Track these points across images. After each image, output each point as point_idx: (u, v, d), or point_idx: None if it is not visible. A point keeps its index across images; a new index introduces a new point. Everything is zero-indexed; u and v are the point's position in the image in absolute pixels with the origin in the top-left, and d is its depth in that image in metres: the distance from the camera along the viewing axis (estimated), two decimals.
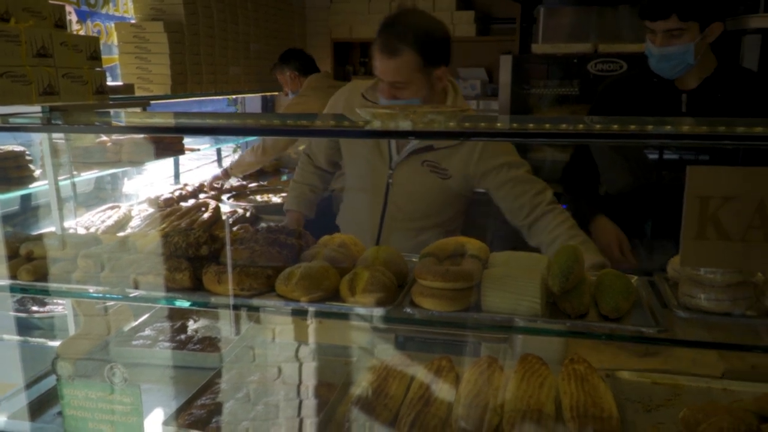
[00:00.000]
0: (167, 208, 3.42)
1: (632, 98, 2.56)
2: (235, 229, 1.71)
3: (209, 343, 1.97)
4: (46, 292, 1.51)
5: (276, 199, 3.84)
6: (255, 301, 1.34)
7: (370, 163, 2.31)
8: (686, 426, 1.52)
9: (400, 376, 1.66)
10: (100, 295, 1.46)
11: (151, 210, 3.33)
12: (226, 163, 5.51)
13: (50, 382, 1.77)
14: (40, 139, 2.80)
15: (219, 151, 5.52)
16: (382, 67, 2.05)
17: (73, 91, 2.14)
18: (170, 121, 1.61)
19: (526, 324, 1.23)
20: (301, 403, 1.64)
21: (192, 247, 1.43)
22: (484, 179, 2.26)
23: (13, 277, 1.52)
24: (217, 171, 4.45)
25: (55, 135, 2.24)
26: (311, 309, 1.32)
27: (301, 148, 3.82)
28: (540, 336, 1.83)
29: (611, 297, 1.25)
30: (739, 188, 1.04)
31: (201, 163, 7.60)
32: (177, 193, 3.78)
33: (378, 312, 1.29)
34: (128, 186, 6.14)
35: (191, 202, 3.61)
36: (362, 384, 1.61)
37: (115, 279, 1.45)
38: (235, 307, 1.35)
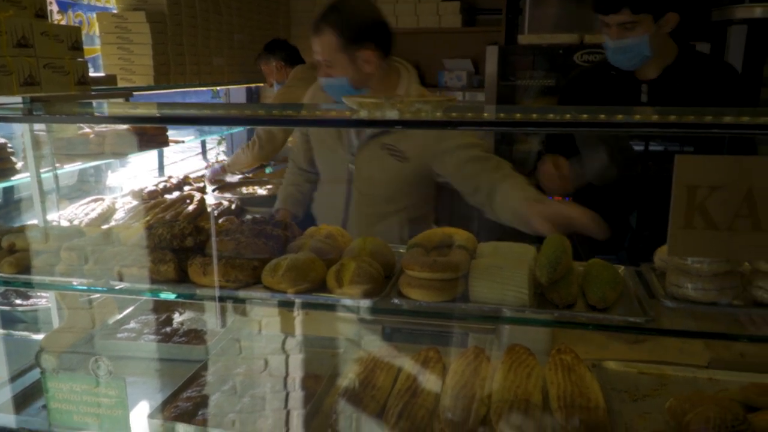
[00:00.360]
0: (151, 200, 3.38)
1: (594, 90, 2.60)
2: (220, 221, 1.69)
3: (195, 336, 1.95)
4: (29, 284, 1.49)
5: (261, 191, 3.82)
6: (241, 293, 1.33)
7: (332, 150, 2.35)
8: (673, 416, 1.53)
9: (387, 367, 1.66)
10: (85, 287, 1.44)
11: (135, 202, 3.29)
12: (211, 155, 5.47)
13: (35, 375, 1.75)
14: (21, 131, 2.76)
15: (204, 143, 5.47)
16: (313, 46, 2.16)
17: (54, 81, 2.11)
18: (155, 112, 1.59)
19: (514, 314, 1.23)
20: (287, 395, 1.63)
21: (177, 238, 1.42)
22: (441, 161, 2.22)
23: None
24: (210, 164, 4.39)
25: (37, 126, 2.20)
26: (298, 300, 1.31)
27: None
28: (527, 326, 1.83)
29: (599, 287, 1.25)
30: (726, 177, 1.04)
31: (185, 155, 7.54)
32: (161, 186, 3.74)
33: (365, 303, 1.28)
34: (112, 178, 6.08)
35: (176, 194, 3.57)
36: (349, 375, 1.61)
37: (99, 271, 1.44)
38: (221, 299, 1.34)
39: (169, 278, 1.38)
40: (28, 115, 1.62)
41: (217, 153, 5.43)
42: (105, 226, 2.14)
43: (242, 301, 1.36)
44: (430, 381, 1.60)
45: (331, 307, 1.32)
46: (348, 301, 1.29)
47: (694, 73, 2.37)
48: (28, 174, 2.15)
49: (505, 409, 1.43)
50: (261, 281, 1.35)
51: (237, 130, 5.05)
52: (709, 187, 1.06)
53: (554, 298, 1.25)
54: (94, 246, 1.49)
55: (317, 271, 1.35)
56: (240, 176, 4.23)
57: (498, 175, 2.10)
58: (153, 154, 5.53)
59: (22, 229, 1.58)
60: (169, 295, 1.38)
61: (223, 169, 4.20)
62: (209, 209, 3.22)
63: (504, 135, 4.25)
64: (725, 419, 1.38)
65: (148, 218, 2.94)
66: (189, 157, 7.15)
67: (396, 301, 1.28)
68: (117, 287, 1.41)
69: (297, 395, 1.63)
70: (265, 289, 1.34)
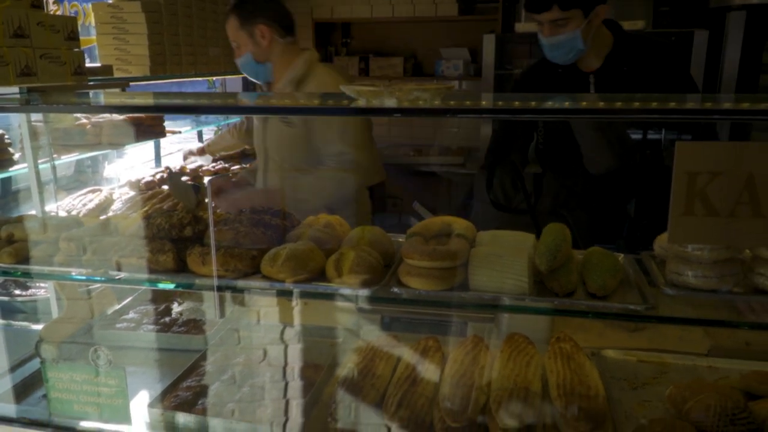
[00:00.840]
0: (149, 191, 3.38)
1: (544, 85, 2.64)
2: (218, 211, 1.68)
3: (194, 326, 1.95)
4: (28, 274, 1.49)
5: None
6: (240, 283, 1.33)
7: (256, 126, 2.76)
8: (673, 403, 1.53)
9: (386, 356, 1.66)
10: (83, 277, 1.44)
11: (132, 193, 3.28)
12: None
13: (35, 365, 1.75)
14: (18, 121, 2.75)
15: (200, 134, 5.44)
16: None
17: (51, 72, 2.09)
18: (153, 101, 1.58)
19: (514, 302, 1.23)
20: (287, 384, 1.63)
21: (175, 228, 1.41)
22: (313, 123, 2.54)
23: None
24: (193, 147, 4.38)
25: (34, 117, 2.19)
26: (297, 290, 1.30)
27: None
28: (527, 315, 1.83)
29: (599, 275, 1.25)
30: (727, 163, 1.04)
31: (182, 146, 7.50)
32: (158, 176, 3.73)
33: (365, 292, 1.28)
34: (108, 170, 6.06)
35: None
36: (348, 365, 1.61)
37: (98, 261, 1.43)
38: (220, 289, 1.34)
39: (168, 268, 1.37)
40: (25, 105, 1.61)
41: (210, 138, 5.39)
42: (103, 217, 2.13)
43: (242, 290, 1.36)
44: (429, 370, 1.60)
45: (330, 297, 1.32)
46: (347, 290, 1.28)
47: (634, 57, 2.42)
48: (25, 165, 2.14)
49: (505, 397, 1.43)
50: (260, 271, 1.35)
51: (234, 119, 5.02)
52: (710, 174, 1.05)
53: (554, 286, 1.25)
54: (92, 236, 1.48)
55: (316, 260, 1.34)
56: (221, 164, 4.23)
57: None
58: (149, 144, 5.50)
59: (20, 220, 1.57)
60: (168, 285, 1.38)
61: (200, 150, 4.20)
62: (206, 200, 3.21)
63: (502, 124, 4.23)
64: (726, 407, 1.39)
65: (146, 209, 2.93)
66: (186, 147, 7.12)
67: (395, 289, 1.28)
68: (116, 277, 1.41)
69: (296, 384, 1.63)
70: (265, 279, 1.34)
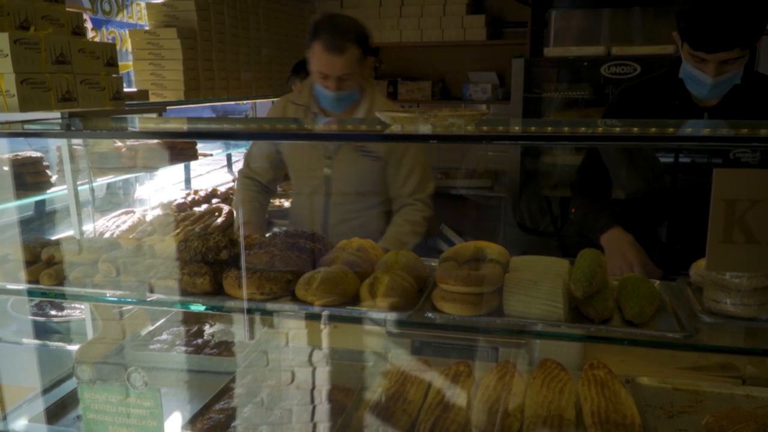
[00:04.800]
0: (181, 213, 3.43)
1: (648, 109, 2.51)
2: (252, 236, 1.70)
3: (225, 348, 1.97)
4: (66, 296, 1.52)
5: (288, 203, 3.84)
6: (275, 305, 1.34)
7: (306, 157, 2.57)
8: None
9: (418, 381, 1.65)
10: (122, 299, 1.46)
11: (164, 215, 3.34)
12: (236, 167, 5.51)
13: (69, 385, 1.78)
14: (57, 145, 2.83)
15: (229, 157, 5.53)
16: (332, 64, 2.31)
17: (90, 97, 2.15)
18: (191, 126, 1.61)
19: (549, 329, 1.22)
20: (318, 407, 1.63)
21: (212, 251, 1.43)
22: (394, 156, 2.52)
23: (35, 281, 1.52)
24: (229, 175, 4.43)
25: (73, 141, 2.26)
26: (332, 313, 1.31)
27: None
28: (562, 341, 1.82)
29: (636, 302, 1.24)
30: (766, 191, 1.03)
31: (211, 167, 7.61)
32: (190, 198, 3.79)
33: (399, 316, 1.28)
34: (140, 191, 6.17)
35: (204, 207, 3.61)
36: (379, 389, 1.61)
37: (135, 283, 1.46)
38: (256, 312, 1.35)
39: (205, 290, 1.39)
40: (67, 130, 1.66)
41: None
42: (137, 236, 2.17)
43: (277, 313, 1.37)
44: (461, 395, 1.59)
45: (364, 320, 1.32)
46: (381, 315, 1.29)
47: (756, 96, 2.24)
48: (63, 187, 2.20)
49: (539, 425, 1.41)
50: (295, 294, 1.36)
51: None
52: (749, 201, 1.04)
53: (589, 312, 1.24)
54: (130, 258, 1.51)
55: (350, 284, 1.35)
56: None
57: (410, 197, 2.55)
58: (180, 166, 5.60)
59: (59, 242, 1.61)
60: (203, 308, 1.39)
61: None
62: (236, 224, 3.25)
63: (530, 148, 4.23)
64: None
65: (178, 231, 2.98)
66: (215, 169, 7.22)
67: (429, 314, 1.28)
68: (152, 299, 1.43)
69: (327, 408, 1.63)
70: (299, 302, 1.35)
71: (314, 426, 1.57)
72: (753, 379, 1.78)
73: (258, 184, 2.73)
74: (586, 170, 2.72)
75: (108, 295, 1.46)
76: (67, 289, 1.50)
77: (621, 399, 1.50)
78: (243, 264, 1.41)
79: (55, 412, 1.71)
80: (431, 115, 1.25)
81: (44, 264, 1.55)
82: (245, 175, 2.76)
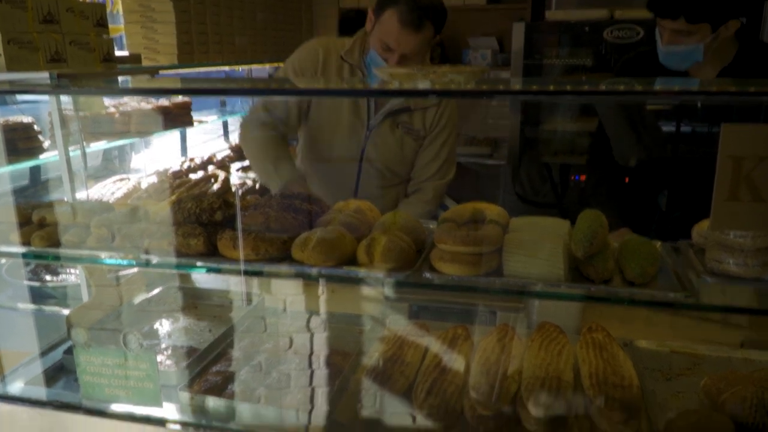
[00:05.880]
0: (176, 180, 3.40)
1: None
2: (247, 198, 1.68)
3: (221, 314, 1.96)
4: (60, 258, 1.49)
5: None
6: (271, 267, 1.32)
7: (347, 125, 2.38)
8: (708, 395, 1.50)
9: (415, 344, 1.64)
10: (115, 261, 1.44)
11: (159, 182, 3.31)
12: (233, 137, 5.46)
13: (66, 349, 1.77)
14: (48, 110, 2.79)
15: (225, 124, 5.47)
16: (403, 39, 2.11)
17: (80, 58, 2.11)
18: (184, 85, 1.57)
19: (549, 289, 1.20)
20: (315, 371, 1.62)
21: (206, 212, 1.41)
22: (430, 136, 2.44)
23: (26, 243, 1.50)
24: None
25: (64, 105, 2.21)
26: (328, 274, 1.29)
27: None
28: (557, 304, 1.81)
29: (637, 262, 1.22)
30: None
31: (207, 137, 7.55)
32: (185, 166, 3.76)
33: (396, 277, 1.26)
34: (135, 160, 6.13)
35: (200, 174, 3.58)
36: (377, 352, 1.60)
37: (129, 245, 1.43)
38: (251, 273, 1.33)
39: (198, 252, 1.37)
40: (57, 87, 1.62)
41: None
42: (133, 202, 2.14)
43: (273, 274, 1.35)
44: (459, 358, 1.58)
45: (361, 282, 1.30)
46: (379, 275, 1.27)
47: (754, 69, 2.24)
48: (55, 152, 2.16)
49: (537, 386, 1.41)
50: (291, 255, 1.34)
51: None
52: (757, 158, 1.02)
53: (590, 273, 1.22)
54: (123, 221, 1.48)
55: (347, 245, 1.33)
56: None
57: (432, 180, 2.49)
58: (175, 136, 5.54)
59: (51, 204, 1.58)
60: (198, 269, 1.38)
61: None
62: (233, 188, 3.23)
63: (530, 115, 4.18)
64: (763, 399, 1.35)
65: (173, 197, 2.95)
66: (211, 139, 7.17)
67: (428, 275, 1.26)
68: (147, 261, 1.41)
69: (325, 372, 1.62)
70: (295, 264, 1.33)
71: (312, 389, 1.56)
72: (751, 343, 1.78)
73: (275, 129, 2.43)
74: (599, 147, 2.70)
75: (101, 256, 1.44)
76: (61, 251, 1.48)
77: (619, 361, 1.49)
78: (239, 225, 1.38)
79: (52, 376, 1.70)
80: (430, 71, 1.22)
81: (36, 226, 1.52)
82: (259, 120, 2.44)
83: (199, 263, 1.36)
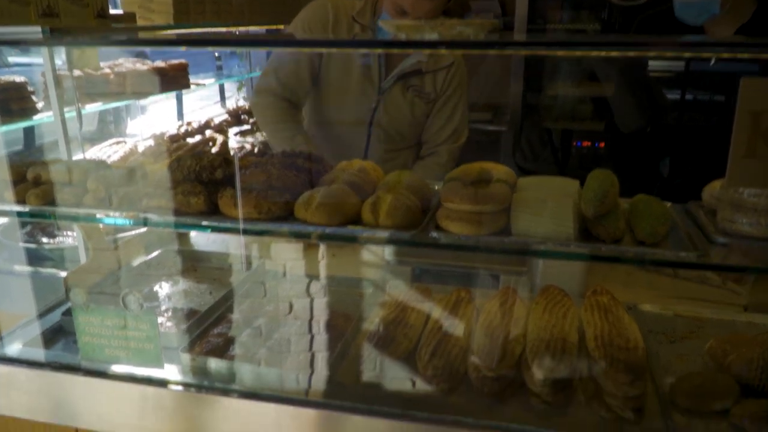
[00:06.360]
0: (174, 144, 3.35)
1: None
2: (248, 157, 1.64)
3: (221, 277, 1.94)
4: (56, 217, 1.46)
5: None
6: (273, 226, 1.29)
7: (358, 88, 2.36)
8: (713, 357, 1.49)
9: (418, 306, 1.63)
10: (113, 220, 1.41)
11: (157, 145, 3.26)
12: (230, 102, 5.39)
13: (64, 310, 1.75)
14: (41, 72, 2.73)
15: (222, 87, 5.39)
16: (418, 4, 2.07)
17: (73, 13, 2.04)
18: (179, 34, 1.52)
19: (559, 248, 1.17)
20: (317, 334, 1.61)
21: (206, 170, 1.37)
22: (442, 98, 2.43)
23: (21, 202, 1.46)
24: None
25: (58, 66, 2.16)
26: (332, 234, 1.26)
27: None
28: (561, 268, 1.79)
29: (648, 222, 1.19)
30: None
31: (204, 104, 7.47)
32: (183, 130, 3.70)
33: (403, 236, 1.23)
34: (131, 125, 6.06)
35: (198, 138, 3.53)
36: (380, 314, 1.58)
37: (127, 204, 1.40)
38: (254, 232, 1.30)
39: (199, 210, 1.34)
40: (50, 39, 1.57)
41: (237, 99, 5.34)
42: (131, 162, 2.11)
43: (275, 234, 1.32)
44: (462, 320, 1.56)
45: (366, 241, 1.27)
46: (385, 234, 1.24)
47: None
48: (49, 113, 2.11)
49: (542, 348, 1.39)
50: (294, 214, 1.31)
51: (257, 73, 4.94)
52: None
53: (600, 232, 1.20)
54: (121, 179, 1.45)
55: (352, 204, 1.30)
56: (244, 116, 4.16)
57: (447, 144, 2.47)
58: (172, 102, 5.47)
59: (46, 162, 1.54)
60: (200, 228, 1.35)
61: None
62: (232, 152, 3.18)
63: (532, 80, 4.11)
64: None
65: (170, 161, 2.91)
66: (208, 105, 7.09)
67: (434, 234, 1.23)
68: (145, 220, 1.38)
69: (327, 334, 1.61)
70: (298, 223, 1.30)
71: (314, 351, 1.55)
72: (754, 307, 1.77)
73: (287, 101, 2.42)
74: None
75: (98, 215, 1.41)
76: (57, 210, 1.44)
77: (624, 324, 1.48)
78: (237, 184, 1.35)
79: (50, 337, 1.68)
80: (438, 24, 1.17)
81: (31, 184, 1.48)
82: (270, 89, 2.41)
83: (200, 222, 1.33)
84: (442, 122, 2.44)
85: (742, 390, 1.36)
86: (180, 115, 4.78)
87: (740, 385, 1.36)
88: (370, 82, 2.34)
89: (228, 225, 1.30)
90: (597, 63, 3.24)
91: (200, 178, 1.37)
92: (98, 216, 1.41)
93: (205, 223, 1.32)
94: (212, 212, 1.36)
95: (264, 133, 3.80)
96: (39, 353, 1.61)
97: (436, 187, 1.51)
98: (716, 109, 3.67)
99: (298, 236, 1.30)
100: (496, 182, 1.33)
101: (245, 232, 1.29)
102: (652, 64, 3.71)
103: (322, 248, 2.18)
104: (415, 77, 2.37)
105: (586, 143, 3.52)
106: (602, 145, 3.35)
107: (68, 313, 1.70)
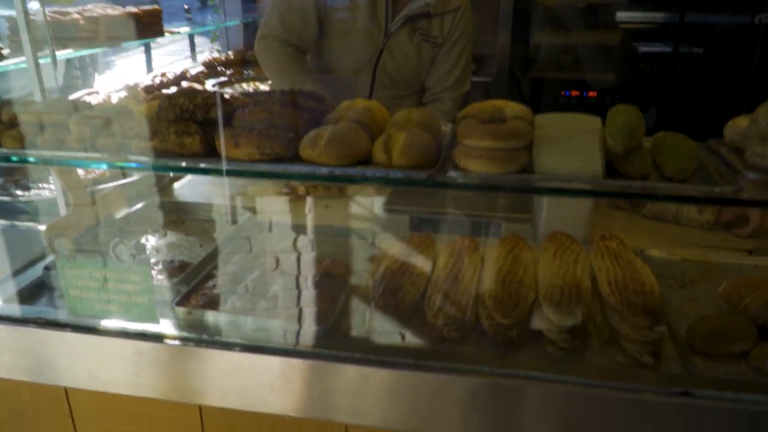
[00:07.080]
0: (149, 95, 3.19)
1: None
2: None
3: (210, 229, 1.85)
4: (37, 161, 1.34)
5: (264, 87, 3.61)
6: (278, 167, 1.20)
7: (364, 31, 2.31)
8: (727, 300, 1.46)
9: (424, 254, 1.56)
10: (99, 163, 1.30)
11: (132, 95, 3.10)
12: (201, 57, 5.17)
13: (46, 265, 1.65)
14: (7, 13, 2.55)
15: (192, 42, 5.16)
16: None
17: None
18: None
19: (587, 186, 1.11)
20: (318, 282, 1.54)
21: (200, 109, 1.27)
22: (447, 44, 2.38)
23: None
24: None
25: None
26: (342, 174, 1.18)
27: None
28: (568, 212, 1.74)
29: (677, 158, 1.13)
30: None
31: (174, 58, 7.20)
32: (158, 81, 3.53)
33: (419, 176, 1.15)
34: (99, 79, 5.80)
35: (173, 89, 3.37)
36: (384, 263, 1.51)
37: (114, 146, 1.29)
38: (256, 174, 1.21)
39: (194, 152, 1.24)
40: None
41: (211, 51, 5.13)
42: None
43: (279, 175, 1.23)
44: (470, 268, 1.51)
45: (380, 181, 1.19)
46: (399, 174, 1.16)
47: None
48: (22, 58, 1.97)
49: (556, 294, 1.34)
50: (299, 155, 1.22)
51: (233, 23, 4.75)
52: None
53: (628, 169, 1.13)
54: (106, 119, 1.34)
55: (362, 142, 1.21)
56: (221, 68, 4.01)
57: (450, 90, 2.43)
58: (140, 57, 5.23)
59: (24, 102, 1.42)
60: (198, 172, 1.25)
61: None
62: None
63: (518, 29, 4.01)
64: None
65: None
66: (178, 60, 6.83)
67: (453, 174, 1.15)
68: (135, 162, 1.28)
69: (327, 284, 1.54)
70: (304, 163, 1.21)
71: (316, 303, 1.48)
72: (759, 251, 1.76)
73: (293, 46, 2.33)
74: None
75: (83, 158, 1.29)
76: (37, 153, 1.33)
77: (637, 268, 1.44)
78: (222, 122, 1.25)
79: (32, 293, 1.58)
80: None
81: (6, 125, 1.36)
82: (276, 36, 2.32)
83: (200, 164, 1.23)
84: (447, 67, 2.39)
85: (759, 331, 1.33)
86: (150, 69, 4.58)
87: (757, 327, 1.34)
88: (376, 24, 2.28)
89: (228, 167, 1.20)
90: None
91: (194, 118, 1.27)
92: (83, 159, 1.30)
93: (203, 165, 1.22)
94: (208, 154, 1.26)
95: (243, 84, 3.67)
96: (20, 309, 1.51)
97: (445, 128, 1.42)
98: (701, 62, 3.63)
99: (305, 178, 1.21)
100: (512, 119, 1.25)
101: (247, 174, 1.20)
102: (645, 15, 3.64)
103: (309, 201, 2.10)
104: (423, 20, 2.31)
105: (575, 92, 3.45)
106: (592, 94, 3.29)
107: (51, 267, 1.60)
